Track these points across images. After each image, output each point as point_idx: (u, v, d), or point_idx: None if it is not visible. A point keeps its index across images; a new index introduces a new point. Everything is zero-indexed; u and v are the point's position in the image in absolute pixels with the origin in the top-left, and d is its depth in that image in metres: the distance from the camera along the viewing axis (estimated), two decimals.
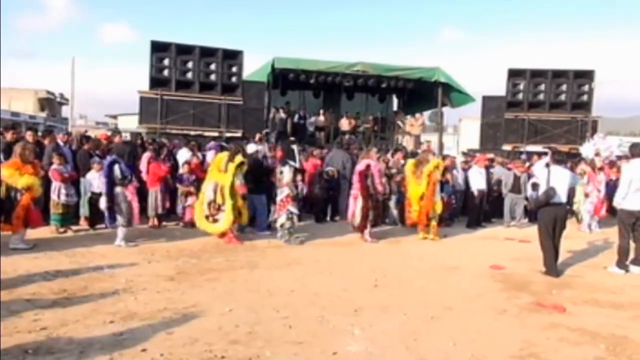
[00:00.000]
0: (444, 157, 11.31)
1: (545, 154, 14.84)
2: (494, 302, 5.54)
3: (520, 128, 15.81)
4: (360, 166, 8.90)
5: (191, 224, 9.25)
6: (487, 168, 11.56)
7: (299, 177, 8.69)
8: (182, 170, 9.67)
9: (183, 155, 10.42)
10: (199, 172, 9.57)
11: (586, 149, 11.83)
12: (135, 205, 7.62)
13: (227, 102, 14.15)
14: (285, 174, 8.31)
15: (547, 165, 6.99)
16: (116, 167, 7.49)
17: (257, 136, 12.28)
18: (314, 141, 15.85)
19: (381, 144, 16.67)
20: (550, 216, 6.84)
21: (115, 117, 46.30)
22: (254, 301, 5.15)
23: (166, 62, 13.87)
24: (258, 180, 8.95)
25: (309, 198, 10.70)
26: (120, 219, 7.51)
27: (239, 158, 8.14)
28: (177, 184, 9.53)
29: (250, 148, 9.71)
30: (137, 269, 6.28)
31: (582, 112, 15.81)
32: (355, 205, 8.75)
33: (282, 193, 8.31)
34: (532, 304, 5.52)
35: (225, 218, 8.03)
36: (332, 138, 16.75)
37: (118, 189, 7.50)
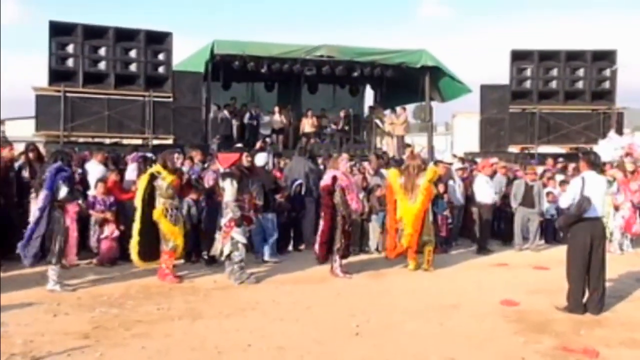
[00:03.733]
0: (436, 164, 11.40)
1: (563, 156, 15.38)
2: (508, 348, 5.57)
3: (529, 124, 16.18)
4: (325, 179, 8.98)
5: (110, 262, 9.10)
6: (493, 176, 11.76)
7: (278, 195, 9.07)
8: (95, 190, 9.52)
9: (95, 170, 10.25)
10: (118, 192, 9.47)
11: (603, 149, 12.13)
12: (74, 234, 7.58)
13: (153, 100, 14.06)
14: (227, 190, 8.25)
15: (575, 168, 7.16)
16: (62, 178, 7.41)
17: (257, 144, 12.36)
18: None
19: (355, 148, 16.89)
20: (584, 235, 6.91)
21: (1, 122, 45.09)
22: None
23: (70, 48, 13.68)
24: (266, 197, 9.50)
25: None
26: (52, 251, 7.43)
27: (155, 168, 8.23)
28: (88, 209, 9.32)
29: (260, 159, 10.11)
30: (39, 325, 6.10)
31: (604, 102, 16.36)
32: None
33: (225, 216, 8.28)
34: (557, 348, 5.58)
35: (131, 246, 8.09)
36: (292, 143, 16.85)
37: (56, 212, 7.42)
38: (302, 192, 10.92)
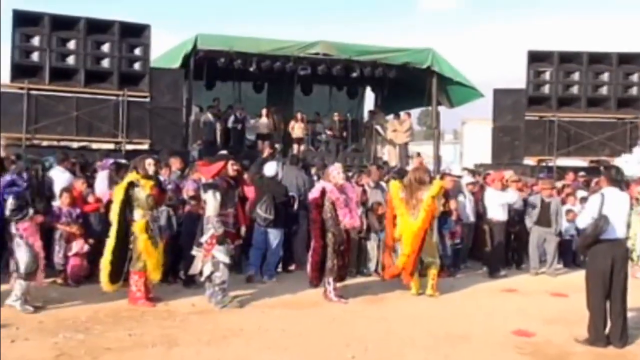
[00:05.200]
0: (443, 176, 11.46)
1: (584, 170, 15.40)
2: None
3: (546, 134, 16.21)
4: (312, 192, 9.03)
5: (76, 281, 9.09)
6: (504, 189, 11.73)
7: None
8: (60, 201, 9.47)
9: (60, 178, 10.23)
10: (85, 203, 9.49)
11: (626, 163, 12.16)
12: (39, 250, 7.64)
13: (128, 99, 14.03)
14: (208, 204, 8.24)
15: (596, 183, 7.17)
16: (12, 192, 7.46)
17: (266, 151, 12.40)
18: (255, 154, 15.57)
19: (353, 157, 17.08)
20: (604, 258, 6.91)
21: None
22: None
23: (36, 41, 13.63)
24: (277, 210, 9.85)
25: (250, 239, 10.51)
26: (18, 267, 7.50)
27: (133, 176, 8.20)
28: (53, 221, 9.27)
29: (270, 169, 10.38)
30: None
31: (630, 110, 16.41)
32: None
33: (206, 233, 8.26)
34: None
35: (102, 264, 8.06)
36: (283, 150, 16.84)
37: (13, 227, 7.47)
38: (295, 206, 10.88)
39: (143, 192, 8.17)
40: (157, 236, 8.36)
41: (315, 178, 11.83)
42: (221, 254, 8.19)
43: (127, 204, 8.15)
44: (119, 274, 8.18)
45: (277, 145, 16.07)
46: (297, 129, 17.67)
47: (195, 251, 8.37)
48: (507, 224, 11.62)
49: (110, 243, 8.10)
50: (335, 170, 8.96)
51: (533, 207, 11.67)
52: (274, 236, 10.10)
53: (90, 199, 9.71)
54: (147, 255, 8.17)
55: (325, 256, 8.77)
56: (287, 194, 10.51)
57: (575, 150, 16.29)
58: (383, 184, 11.48)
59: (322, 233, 8.80)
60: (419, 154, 17.35)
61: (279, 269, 10.72)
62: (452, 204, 10.84)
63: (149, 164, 8.34)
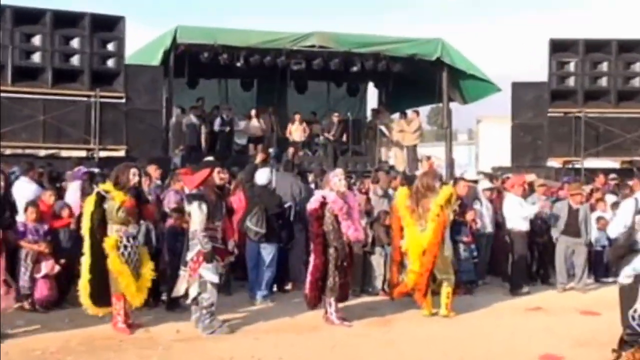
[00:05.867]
0: (456, 182, 11.48)
1: (616, 171, 15.31)
2: None
3: (572, 132, 16.18)
4: (311, 201, 9.00)
5: (45, 306, 9.04)
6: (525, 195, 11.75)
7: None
8: (26, 216, 9.39)
9: (25, 191, 10.20)
10: (55, 218, 9.45)
11: None
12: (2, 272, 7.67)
13: (101, 101, 14.01)
14: (194, 216, 8.20)
15: (629, 187, 7.16)
16: None
17: (259, 157, 12.30)
18: (245, 160, 15.63)
19: (355, 162, 17.11)
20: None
21: None
22: None
23: None
24: (269, 222, 9.86)
25: (241, 256, 10.43)
26: None
27: (102, 186, 8.22)
28: (17, 239, 9.20)
29: (262, 176, 10.37)
30: None
31: None
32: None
33: (192, 249, 8.25)
34: None
35: (80, 285, 8.07)
36: (276, 155, 16.81)
37: None
38: (291, 218, 10.88)
39: (114, 203, 8.12)
40: (135, 255, 8.31)
41: (312, 186, 11.83)
42: (209, 273, 8.13)
43: (99, 217, 8.14)
44: (104, 295, 8.16)
45: (270, 150, 16.03)
46: (295, 132, 17.66)
47: (180, 270, 8.34)
48: (531, 234, 11.56)
49: (86, 261, 8.10)
50: (337, 177, 8.92)
51: (559, 215, 11.55)
52: (267, 252, 10.05)
53: (65, 213, 9.63)
54: (120, 277, 8.13)
55: (326, 274, 8.74)
56: (281, 204, 10.49)
57: (605, 150, 16.26)
58: (391, 191, 11.48)
59: (323, 248, 8.78)
60: (429, 158, 17.08)
61: (274, 289, 10.68)
62: (469, 216, 10.85)
63: (134, 175, 8.32)
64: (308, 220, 9.19)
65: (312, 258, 8.95)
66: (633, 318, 6.64)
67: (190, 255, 8.23)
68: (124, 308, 8.24)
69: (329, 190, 8.88)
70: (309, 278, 8.91)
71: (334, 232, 8.72)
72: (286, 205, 10.85)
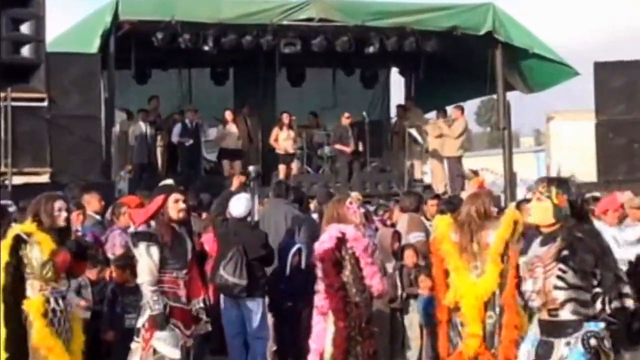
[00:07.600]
0: (520, 205, 10.13)
1: None
2: None
3: None
4: (323, 240, 7.76)
5: None
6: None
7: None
8: None
9: None
10: None
11: None
12: None
13: (14, 104, 12.36)
14: (140, 263, 7.14)
15: None
16: None
17: (236, 180, 11.40)
18: (218, 182, 14.43)
19: (375, 181, 15.86)
20: None
21: None
22: None
23: None
24: (251, 270, 8.96)
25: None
26: None
27: (22, 227, 7.12)
28: None
29: (238, 205, 9.43)
30: None
31: None
32: (324, 333, 7.74)
33: (143, 312, 7.19)
34: None
35: None
36: (263, 177, 14.96)
37: None
38: (302, 265, 9.63)
39: (39, 253, 7.01)
40: (66, 323, 7.26)
41: (315, 216, 10.66)
42: (165, 346, 7.06)
43: (17, 270, 7.09)
44: None
45: (252, 168, 13.89)
46: (282, 139, 15.93)
47: (132, 342, 7.35)
48: (632, 275, 9.52)
49: None
50: (354, 204, 8.08)
51: None
52: (251, 311, 9.00)
53: None
54: (51, 355, 7.07)
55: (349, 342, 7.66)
56: (266, 244, 9.34)
57: None
58: (426, 222, 10.31)
59: (344, 305, 7.63)
60: (478, 172, 15.97)
61: None
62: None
63: (59, 209, 7.28)
64: (319, 266, 7.87)
65: (331, 326, 7.70)
66: None
67: (141, 321, 7.17)
68: None
69: (347, 224, 7.72)
70: (329, 351, 7.67)
71: (356, 282, 7.66)
72: (295, 248, 9.71)
